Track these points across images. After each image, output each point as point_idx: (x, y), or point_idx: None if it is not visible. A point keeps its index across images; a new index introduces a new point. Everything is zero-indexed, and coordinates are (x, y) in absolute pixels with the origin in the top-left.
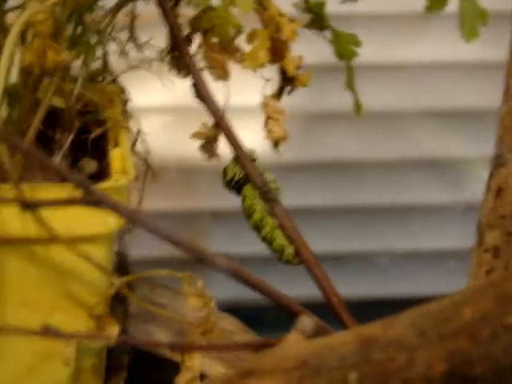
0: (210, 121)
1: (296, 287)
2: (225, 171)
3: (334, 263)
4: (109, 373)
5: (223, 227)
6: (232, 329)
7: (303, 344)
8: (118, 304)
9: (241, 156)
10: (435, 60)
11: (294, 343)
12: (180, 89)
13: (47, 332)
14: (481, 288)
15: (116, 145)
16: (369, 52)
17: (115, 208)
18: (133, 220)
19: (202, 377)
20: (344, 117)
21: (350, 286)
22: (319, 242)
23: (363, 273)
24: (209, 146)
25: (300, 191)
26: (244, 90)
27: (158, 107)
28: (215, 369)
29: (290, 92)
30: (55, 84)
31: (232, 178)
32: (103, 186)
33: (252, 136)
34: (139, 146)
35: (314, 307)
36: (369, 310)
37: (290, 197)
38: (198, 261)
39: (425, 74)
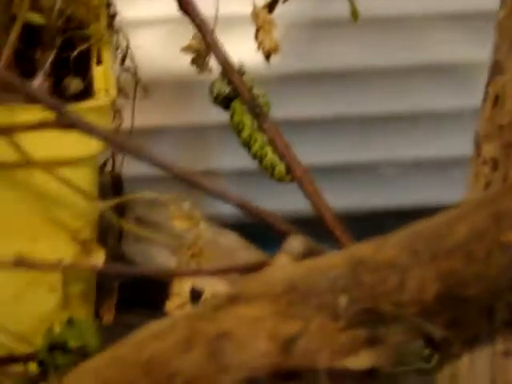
0: None
1: (293, 201)
2: (212, 86)
3: (339, 174)
4: (99, 297)
5: (220, 141)
6: (233, 245)
7: (291, 267)
8: (111, 225)
9: (228, 70)
10: None
11: (283, 266)
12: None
13: (21, 263)
14: (475, 204)
15: (100, 62)
16: None
17: (90, 130)
18: (110, 142)
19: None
20: (347, 24)
21: (355, 198)
22: (324, 153)
23: (369, 184)
24: (200, 59)
25: (303, 101)
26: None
27: (151, 19)
28: (219, 287)
29: (284, 0)
30: None
31: (219, 93)
32: (83, 106)
33: (249, 46)
34: (129, 61)
35: (312, 222)
36: (376, 221)
37: (294, 107)
38: (185, 183)
39: None
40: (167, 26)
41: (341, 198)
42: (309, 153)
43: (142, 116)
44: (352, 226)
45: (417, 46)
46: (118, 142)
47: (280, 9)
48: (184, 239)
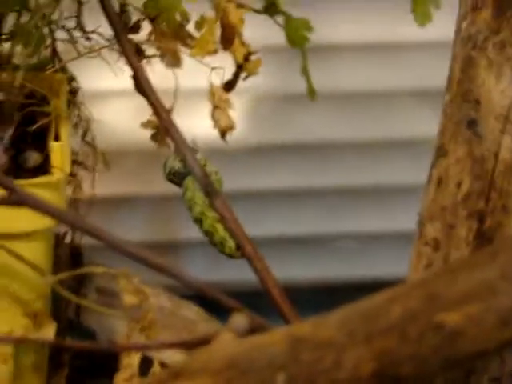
0: None
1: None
2: (165, 163)
3: (299, 246)
4: (51, 370)
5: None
6: (194, 317)
7: (234, 343)
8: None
9: (181, 148)
10: (412, 39)
11: (226, 342)
12: None
13: None
14: (410, 285)
15: (58, 137)
16: (344, 31)
17: (40, 208)
18: (58, 218)
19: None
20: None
21: (315, 270)
22: (287, 224)
23: (328, 256)
24: (158, 135)
25: (265, 173)
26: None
27: (116, 92)
28: (176, 358)
29: (245, 78)
30: None
31: (171, 171)
32: (36, 181)
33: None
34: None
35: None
36: (336, 293)
37: (258, 179)
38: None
39: (402, 54)
40: (132, 99)
41: (300, 270)
42: (270, 224)
43: (106, 187)
44: (311, 297)
45: (382, 121)
46: (67, 218)
47: (251, 81)
48: (135, 312)
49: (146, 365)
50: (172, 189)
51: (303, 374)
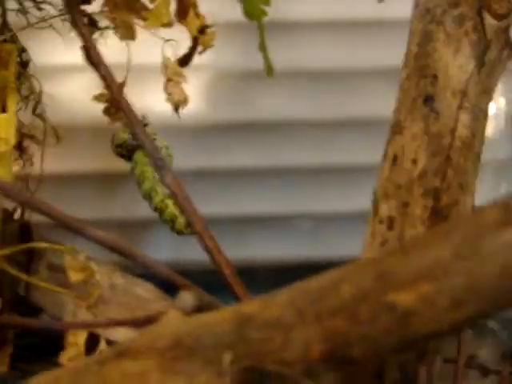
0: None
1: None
2: (114, 136)
3: (259, 225)
4: None
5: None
6: (148, 296)
7: (180, 322)
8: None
9: (131, 121)
10: (372, 17)
11: (172, 320)
12: None
13: None
14: (361, 264)
15: (4, 109)
16: (304, 8)
17: None
18: (3, 193)
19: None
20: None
21: (269, 249)
22: (243, 204)
23: (283, 235)
24: (111, 109)
25: (223, 152)
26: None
27: (68, 66)
28: (122, 334)
29: (201, 52)
30: None
31: (120, 144)
32: None
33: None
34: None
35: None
36: (291, 274)
37: (214, 157)
38: (76, 233)
39: (362, 31)
40: (84, 75)
41: (257, 249)
42: (225, 203)
43: (56, 162)
44: (269, 277)
45: (341, 100)
46: (11, 191)
47: (209, 57)
48: (83, 290)
49: (94, 343)
50: (123, 165)
51: (251, 354)
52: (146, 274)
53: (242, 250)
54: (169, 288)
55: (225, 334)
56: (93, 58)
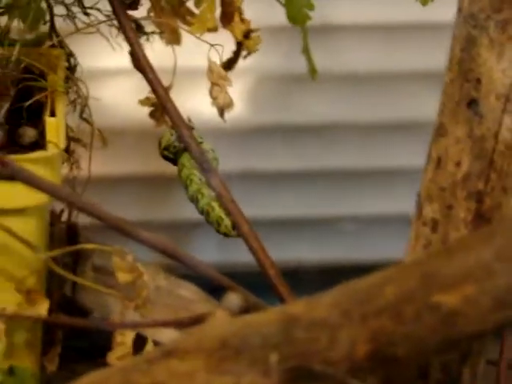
0: None
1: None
2: (160, 140)
3: (303, 227)
4: (44, 346)
5: (177, 192)
6: (192, 297)
7: (227, 322)
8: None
9: (178, 124)
10: (416, 20)
11: (219, 321)
12: None
13: None
14: (406, 266)
15: (54, 113)
16: (347, 11)
17: (32, 182)
18: (50, 193)
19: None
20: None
21: (316, 251)
22: (287, 206)
23: (329, 238)
24: (157, 112)
25: (267, 154)
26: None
27: (114, 71)
28: (168, 336)
29: (245, 57)
30: None
31: (167, 147)
32: (31, 156)
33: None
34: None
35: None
36: (336, 275)
37: (258, 160)
38: (124, 235)
39: (406, 35)
40: (131, 77)
41: (301, 252)
42: (270, 206)
43: (103, 166)
44: (313, 280)
45: (385, 103)
46: (60, 193)
47: (252, 61)
48: (130, 291)
49: (140, 344)
50: (170, 168)
51: (297, 354)
52: (189, 275)
53: (287, 252)
54: (212, 290)
55: (271, 334)
56: (140, 62)
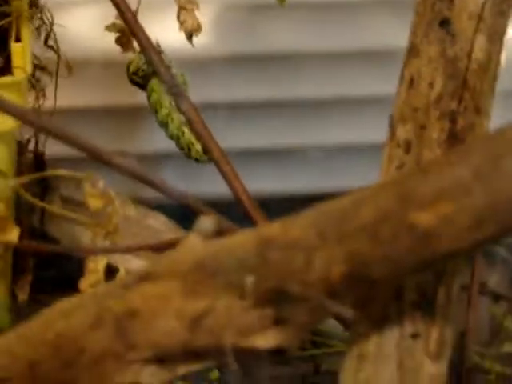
0: None
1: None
2: (129, 64)
3: (267, 157)
4: (15, 275)
5: (144, 123)
6: (161, 227)
7: (201, 246)
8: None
9: (146, 48)
10: None
11: (193, 245)
12: None
13: None
14: (381, 186)
15: (19, 39)
16: None
17: (3, 107)
18: (20, 118)
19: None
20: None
21: (282, 181)
22: (255, 136)
23: (298, 167)
24: (124, 38)
25: (232, 84)
26: None
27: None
28: (136, 264)
29: None
30: None
31: (136, 72)
32: None
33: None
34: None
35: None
36: (307, 204)
37: (225, 90)
38: (95, 159)
39: None
40: (96, 7)
41: (269, 182)
42: (236, 136)
43: (68, 96)
44: (281, 209)
45: (349, 32)
46: (29, 117)
47: None
48: (100, 218)
49: (111, 274)
50: (137, 98)
51: (272, 276)
52: (157, 206)
53: (254, 182)
54: (180, 220)
55: (246, 256)
56: None
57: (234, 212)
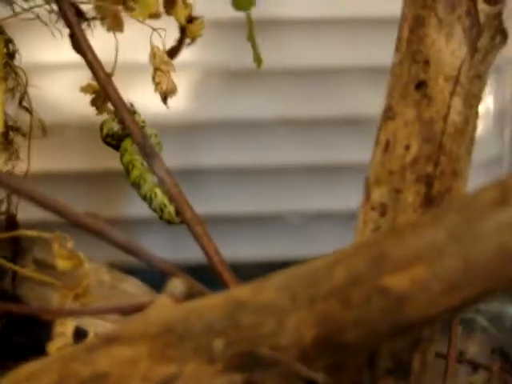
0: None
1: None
2: (102, 125)
3: (248, 223)
4: None
5: (119, 188)
6: (135, 292)
7: (170, 308)
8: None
9: (119, 108)
10: (363, 15)
11: (163, 307)
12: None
13: None
14: (355, 248)
15: None
16: (293, 6)
17: None
18: None
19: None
20: (261, 74)
21: (261, 247)
22: (232, 202)
23: (275, 234)
24: (99, 100)
25: (210, 150)
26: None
27: (57, 64)
28: (106, 327)
29: (189, 44)
30: None
31: (109, 133)
32: None
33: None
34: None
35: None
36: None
37: (201, 156)
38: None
39: (351, 30)
40: (73, 71)
41: (246, 248)
42: (213, 202)
43: (43, 160)
44: (253, 275)
45: (328, 99)
46: (3, 179)
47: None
48: (71, 280)
49: (81, 338)
50: (113, 163)
51: (243, 340)
52: (133, 270)
53: (230, 248)
54: (156, 285)
55: (216, 319)
56: (80, 44)
57: (210, 276)
